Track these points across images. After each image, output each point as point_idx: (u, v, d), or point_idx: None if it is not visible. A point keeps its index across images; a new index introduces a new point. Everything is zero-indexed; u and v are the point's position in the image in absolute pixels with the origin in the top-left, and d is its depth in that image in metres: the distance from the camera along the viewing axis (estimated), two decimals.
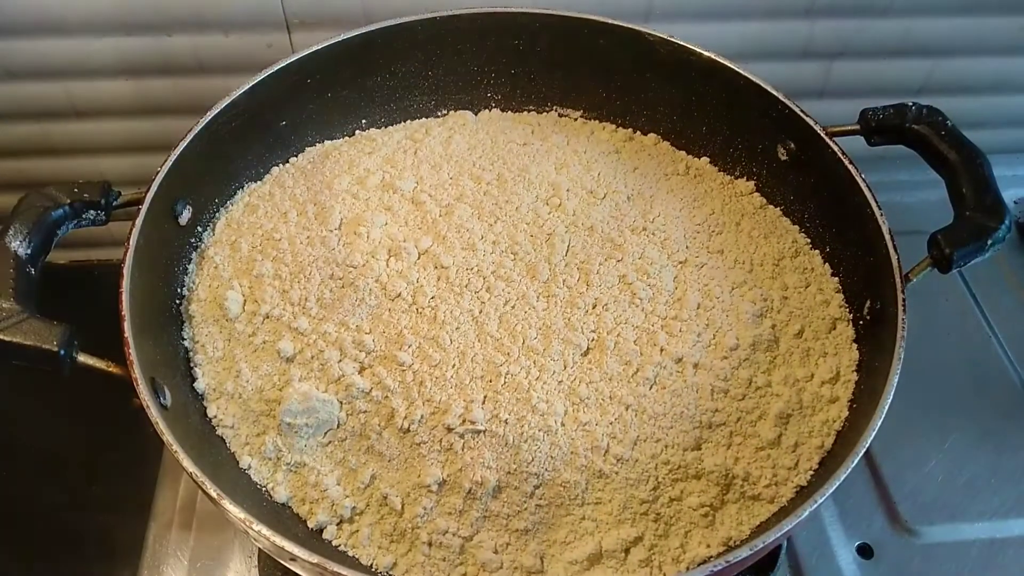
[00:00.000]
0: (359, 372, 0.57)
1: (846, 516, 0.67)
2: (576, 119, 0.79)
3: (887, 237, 0.58)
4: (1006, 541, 0.66)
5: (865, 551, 0.66)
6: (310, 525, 0.55)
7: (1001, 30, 0.88)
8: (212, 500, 0.46)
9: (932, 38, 0.89)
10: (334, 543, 0.54)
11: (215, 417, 0.58)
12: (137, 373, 0.49)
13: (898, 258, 0.57)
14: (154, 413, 0.48)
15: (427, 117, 0.78)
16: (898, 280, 0.55)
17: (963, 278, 0.83)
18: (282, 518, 0.54)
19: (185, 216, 0.63)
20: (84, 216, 0.57)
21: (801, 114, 0.66)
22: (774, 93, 0.67)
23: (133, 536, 0.66)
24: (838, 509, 0.67)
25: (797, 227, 0.68)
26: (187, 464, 0.46)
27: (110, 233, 1.00)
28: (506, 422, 0.54)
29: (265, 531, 0.44)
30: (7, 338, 0.48)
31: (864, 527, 0.67)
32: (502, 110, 0.79)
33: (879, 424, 0.49)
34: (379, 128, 0.77)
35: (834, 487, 0.47)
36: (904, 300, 0.54)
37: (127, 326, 0.51)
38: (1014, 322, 0.80)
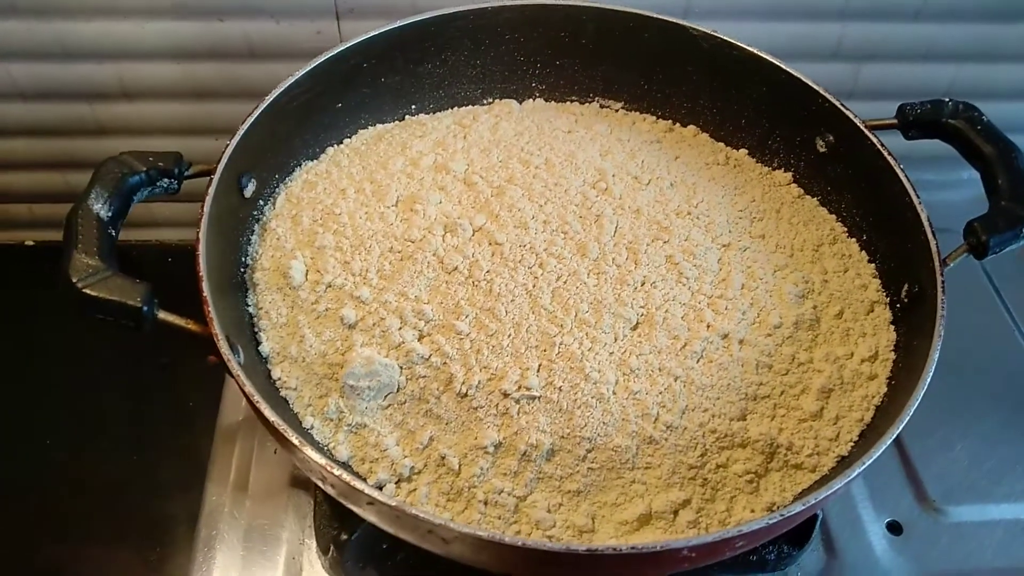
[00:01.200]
0: (419, 339, 0.59)
1: (876, 494, 0.69)
2: (617, 110, 0.82)
3: (926, 224, 0.60)
4: None
5: (894, 528, 0.68)
6: (370, 483, 0.57)
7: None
8: (291, 448, 0.48)
9: (958, 43, 0.92)
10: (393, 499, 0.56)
11: (279, 379, 0.60)
12: (217, 329, 0.51)
13: (936, 243, 0.59)
14: (235, 367, 0.50)
15: (473, 105, 0.81)
16: (937, 264, 0.58)
17: (986, 273, 0.86)
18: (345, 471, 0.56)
19: (250, 189, 0.66)
20: (158, 184, 0.60)
21: (842, 108, 0.68)
22: (816, 88, 0.70)
23: (189, 502, 0.68)
24: (868, 488, 0.70)
25: (834, 216, 0.71)
26: (268, 414, 0.48)
27: (150, 214, 1.03)
28: (560, 389, 0.57)
29: (345, 476, 0.46)
30: (94, 293, 0.51)
31: (893, 505, 0.69)
32: (546, 100, 0.82)
33: (921, 396, 0.52)
34: (427, 114, 0.79)
35: (878, 453, 0.50)
36: (943, 282, 0.57)
37: (205, 286, 0.54)
38: None
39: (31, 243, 1.05)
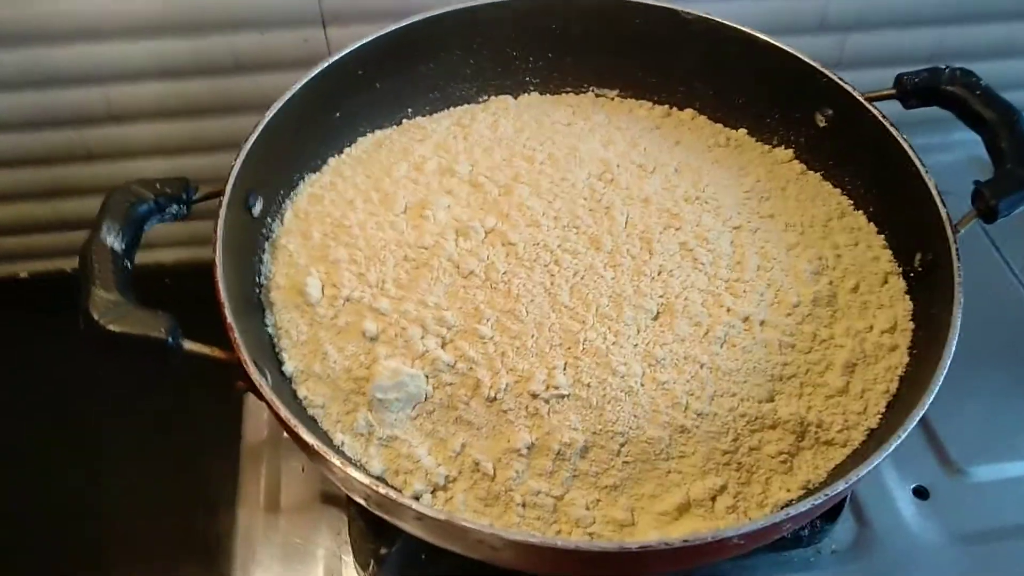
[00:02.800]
0: (442, 347, 0.59)
1: (900, 461, 0.70)
2: (613, 98, 0.82)
3: (934, 192, 0.61)
4: None
5: (921, 493, 0.69)
6: (406, 495, 0.57)
7: None
8: (331, 469, 0.48)
9: (941, 7, 0.92)
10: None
11: (305, 398, 0.60)
12: (245, 355, 0.51)
13: (947, 211, 0.60)
14: (267, 392, 0.50)
15: (469, 104, 0.80)
16: (950, 231, 0.59)
17: (986, 232, 0.87)
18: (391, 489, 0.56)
19: (258, 207, 0.65)
20: (167, 210, 0.59)
21: (840, 82, 0.69)
22: (812, 63, 0.70)
23: (222, 526, 0.68)
24: (893, 456, 0.69)
25: (839, 190, 0.71)
26: (307, 437, 0.48)
27: (157, 237, 1.02)
28: (588, 385, 0.57)
29: (392, 494, 0.46)
30: (117, 329, 0.50)
31: (918, 470, 0.70)
32: (540, 93, 0.82)
33: (948, 364, 0.52)
34: (424, 116, 0.79)
35: (913, 424, 0.50)
36: (957, 250, 0.58)
37: (228, 312, 0.53)
38: None
39: (24, 275, 1.04)
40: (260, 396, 0.51)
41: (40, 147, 0.92)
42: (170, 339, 0.51)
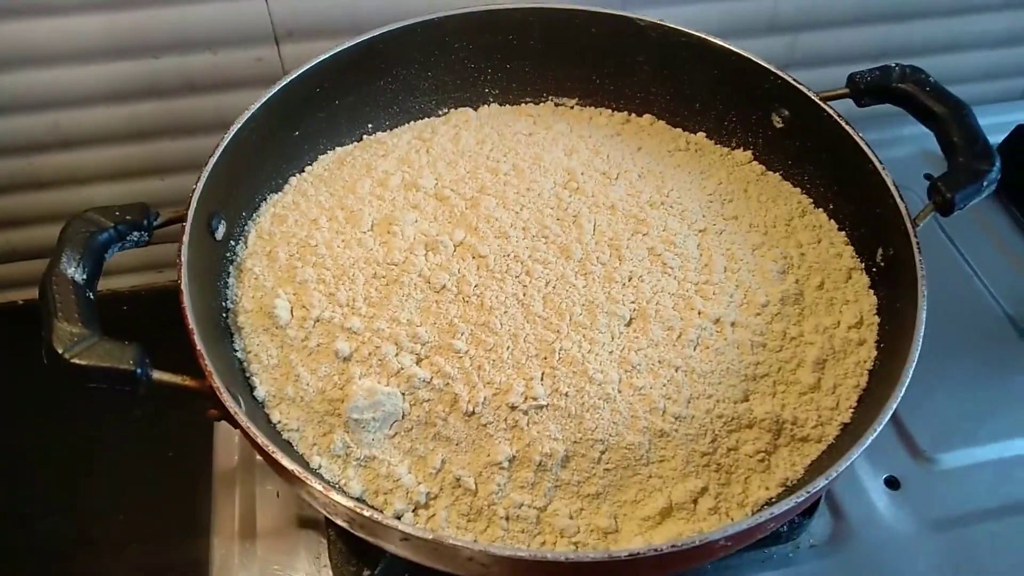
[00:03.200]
0: (417, 363, 0.59)
1: (871, 452, 0.70)
2: (572, 107, 0.82)
3: (892, 188, 0.62)
4: (1016, 459, 0.71)
5: (892, 483, 0.70)
6: (387, 514, 0.56)
7: None
8: (314, 495, 0.47)
9: (887, 5, 0.95)
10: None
11: (279, 422, 0.59)
12: (218, 382, 0.50)
13: (905, 205, 0.61)
14: (243, 419, 0.49)
15: (429, 117, 0.80)
16: (909, 225, 0.60)
17: (940, 226, 0.89)
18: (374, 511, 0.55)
19: (220, 231, 0.64)
20: (128, 238, 0.58)
21: (794, 83, 0.70)
22: (766, 66, 0.71)
23: (197, 557, 0.66)
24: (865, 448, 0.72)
25: (799, 189, 0.73)
26: (286, 463, 0.47)
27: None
28: (566, 395, 0.57)
29: (378, 516, 0.46)
30: (83, 362, 0.49)
31: (888, 461, 0.71)
32: (500, 104, 0.82)
33: (916, 357, 0.54)
34: (385, 131, 0.78)
35: (887, 418, 0.51)
36: (918, 243, 0.59)
37: (197, 339, 0.52)
38: (990, 260, 0.87)
39: None
40: (235, 424, 0.50)
41: None
42: (139, 370, 0.50)
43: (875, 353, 0.61)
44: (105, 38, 0.79)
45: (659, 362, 0.59)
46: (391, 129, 0.79)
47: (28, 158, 0.88)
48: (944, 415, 0.74)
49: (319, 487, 0.46)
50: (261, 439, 0.48)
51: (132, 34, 0.80)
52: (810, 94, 0.69)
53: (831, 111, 0.68)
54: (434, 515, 0.56)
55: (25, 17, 0.75)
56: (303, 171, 0.74)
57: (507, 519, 0.56)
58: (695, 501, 0.56)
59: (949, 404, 0.75)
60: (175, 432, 0.82)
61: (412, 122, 0.79)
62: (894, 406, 0.51)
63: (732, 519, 0.56)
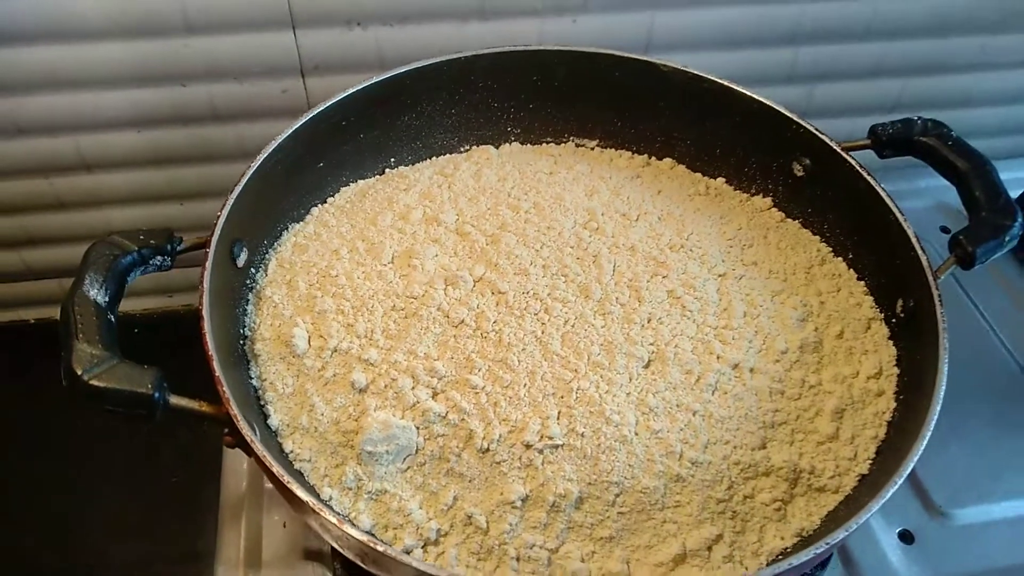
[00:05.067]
0: (433, 397, 0.58)
1: (885, 506, 0.69)
2: (593, 148, 0.83)
3: (914, 240, 0.63)
4: None
5: (906, 537, 0.69)
6: (396, 549, 0.55)
7: (965, 48, 0.96)
8: (327, 527, 0.47)
9: (904, 59, 0.96)
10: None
11: (291, 452, 0.58)
12: (235, 410, 0.50)
13: (927, 258, 0.61)
14: (259, 447, 0.49)
15: (451, 153, 0.81)
16: (930, 278, 0.60)
17: (956, 280, 0.89)
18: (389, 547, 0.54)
19: (242, 258, 0.64)
20: (151, 262, 0.58)
21: (817, 133, 0.71)
22: (788, 114, 0.72)
23: None
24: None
25: (818, 237, 0.73)
26: (301, 493, 0.47)
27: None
28: (583, 435, 0.57)
29: (390, 551, 0.45)
30: (101, 384, 0.49)
31: (902, 515, 0.71)
32: (522, 143, 0.82)
33: (938, 410, 0.53)
34: (407, 166, 0.79)
35: (907, 472, 0.51)
36: (940, 295, 0.59)
37: (216, 365, 0.52)
38: (1006, 314, 0.87)
39: None
40: (249, 452, 0.50)
41: (9, 195, 0.90)
42: (156, 394, 0.49)
43: (894, 404, 0.61)
44: (135, 65, 0.81)
45: (677, 406, 0.59)
46: (413, 164, 0.79)
47: (49, 179, 0.89)
48: (959, 470, 0.74)
49: (333, 519, 0.46)
50: (276, 468, 0.48)
51: (161, 61, 0.81)
52: (832, 144, 0.70)
53: (853, 161, 0.68)
54: (443, 552, 0.56)
55: (55, 42, 0.76)
56: (326, 202, 0.74)
57: (518, 559, 0.55)
58: (709, 548, 0.55)
59: (964, 459, 0.74)
60: (179, 459, 0.82)
61: (434, 158, 0.80)
62: (915, 458, 0.51)
63: (747, 568, 0.55)
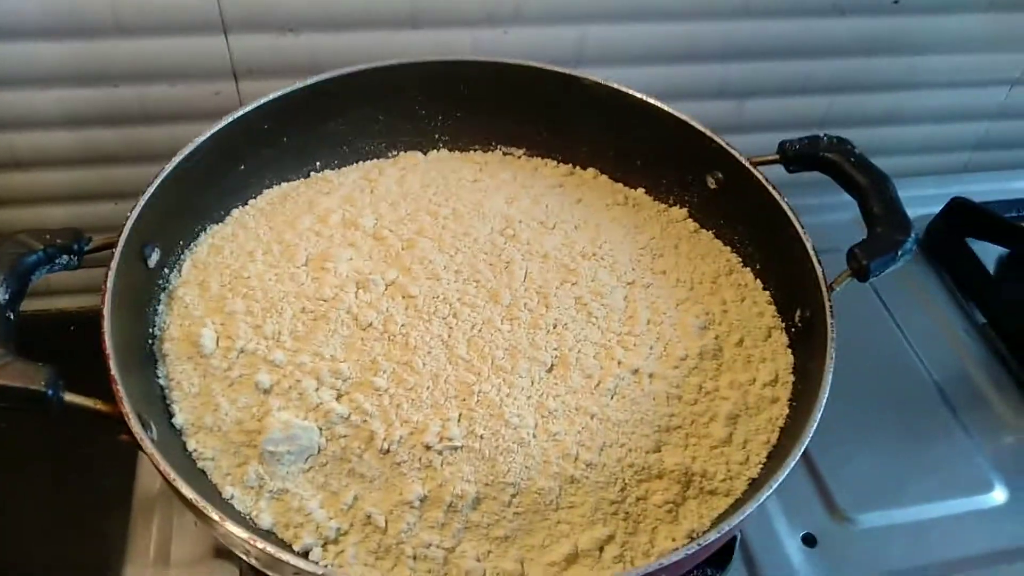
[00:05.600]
0: (337, 399, 0.59)
1: (789, 509, 0.73)
2: (520, 156, 0.84)
3: (811, 253, 0.65)
4: (933, 522, 0.73)
5: (809, 540, 0.71)
6: (296, 548, 0.56)
7: (891, 68, 0.99)
8: (212, 524, 0.48)
9: (831, 77, 0.99)
10: (320, 564, 0.56)
11: (195, 451, 0.59)
12: (128, 408, 0.50)
13: (822, 270, 0.63)
14: (149, 446, 0.49)
15: (378, 158, 0.82)
16: (824, 290, 0.62)
17: (875, 291, 0.92)
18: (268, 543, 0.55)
19: (154, 259, 0.65)
20: (57, 261, 0.58)
21: (727, 147, 0.73)
22: (702, 130, 0.74)
23: None
24: (782, 503, 0.73)
25: (729, 248, 0.75)
26: (186, 491, 0.48)
27: (46, 283, 1.00)
28: (482, 437, 0.58)
29: (269, 548, 0.46)
30: None
31: (806, 518, 0.72)
32: (450, 150, 0.84)
33: (819, 417, 0.55)
34: (333, 169, 0.80)
35: (783, 476, 0.52)
36: (831, 307, 0.61)
37: (113, 364, 0.53)
38: (921, 326, 0.89)
39: None
40: (143, 450, 0.50)
41: None
42: (50, 391, 0.50)
43: (787, 411, 0.63)
44: (66, 65, 0.81)
45: (576, 409, 0.60)
46: (339, 168, 0.80)
47: None
48: (866, 476, 0.76)
49: (215, 516, 0.47)
50: (163, 465, 0.48)
51: (94, 63, 0.81)
52: (741, 158, 0.72)
53: (760, 176, 0.70)
54: (343, 551, 0.57)
55: None
56: (246, 203, 0.75)
57: (415, 558, 0.56)
58: (601, 549, 0.56)
59: (871, 465, 0.76)
60: (98, 457, 0.81)
61: (360, 162, 0.81)
62: (791, 464, 0.52)
63: (636, 568, 0.56)
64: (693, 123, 0.74)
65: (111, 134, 0.88)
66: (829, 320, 0.60)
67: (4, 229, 0.93)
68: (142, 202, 0.62)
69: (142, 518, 0.69)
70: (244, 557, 0.51)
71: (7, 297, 0.54)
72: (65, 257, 0.59)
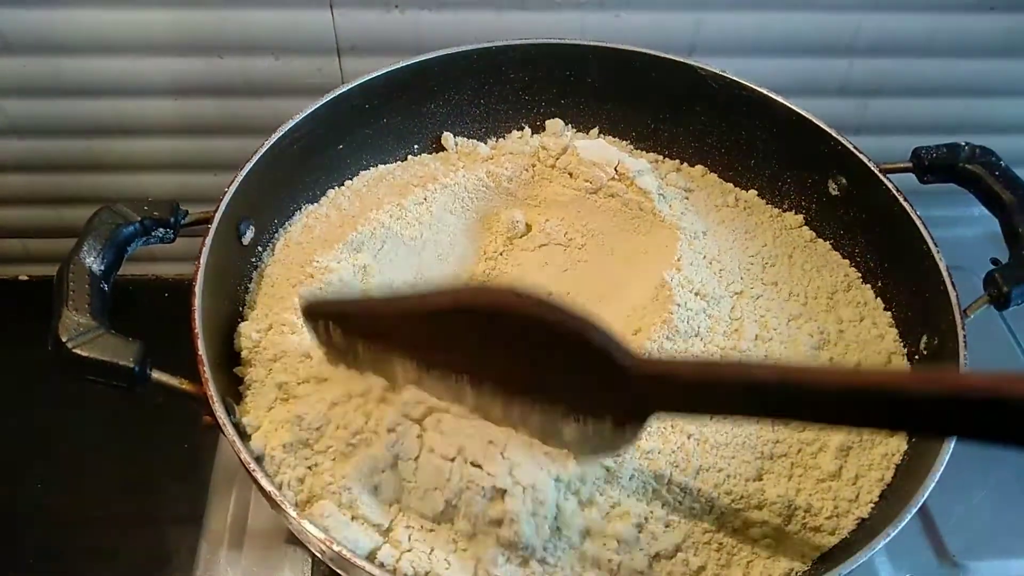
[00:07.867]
0: None
1: (893, 550, 0.67)
2: (623, 149, 0.80)
3: (944, 273, 0.59)
4: None
5: None
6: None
7: None
8: (287, 519, 0.46)
9: (969, 78, 0.91)
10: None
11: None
12: (212, 391, 0.49)
13: (956, 294, 0.57)
14: (231, 431, 0.48)
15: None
16: (958, 316, 0.56)
17: (1004, 321, 0.84)
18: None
19: (248, 236, 0.64)
20: (153, 233, 0.58)
21: (854, 150, 0.67)
22: (827, 129, 0.68)
23: (183, 553, 0.66)
24: (886, 544, 0.67)
25: (848, 261, 0.69)
26: (265, 484, 0.46)
27: (160, 250, 1.02)
28: None
29: (345, 552, 0.44)
30: (84, 353, 0.49)
31: (912, 561, 0.67)
32: None
33: (947, 460, 0.50)
34: (430, 154, 0.78)
35: (905, 521, 0.47)
36: (965, 336, 0.55)
37: (200, 344, 0.52)
38: None
39: (25, 278, 1.03)
40: (224, 434, 0.49)
41: (49, 154, 0.92)
42: (137, 368, 0.49)
43: (905, 447, 0.57)
44: (174, 34, 0.81)
45: (671, 427, 0.56)
46: (436, 152, 0.78)
47: (88, 140, 0.90)
48: (981, 521, 0.70)
49: (293, 512, 0.45)
50: (244, 455, 0.47)
51: (200, 32, 0.81)
52: (870, 164, 0.66)
53: (890, 185, 0.64)
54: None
55: (97, 6, 0.77)
56: (343, 184, 0.73)
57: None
58: None
59: (989, 510, 0.70)
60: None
61: None
62: (915, 508, 0.47)
63: None
64: (818, 122, 0.69)
65: (213, 105, 0.88)
66: (962, 351, 0.55)
67: (105, 195, 0.95)
68: (240, 176, 0.61)
69: (218, 496, 0.68)
70: (318, 555, 0.49)
71: (103, 268, 0.54)
72: (162, 230, 0.58)
